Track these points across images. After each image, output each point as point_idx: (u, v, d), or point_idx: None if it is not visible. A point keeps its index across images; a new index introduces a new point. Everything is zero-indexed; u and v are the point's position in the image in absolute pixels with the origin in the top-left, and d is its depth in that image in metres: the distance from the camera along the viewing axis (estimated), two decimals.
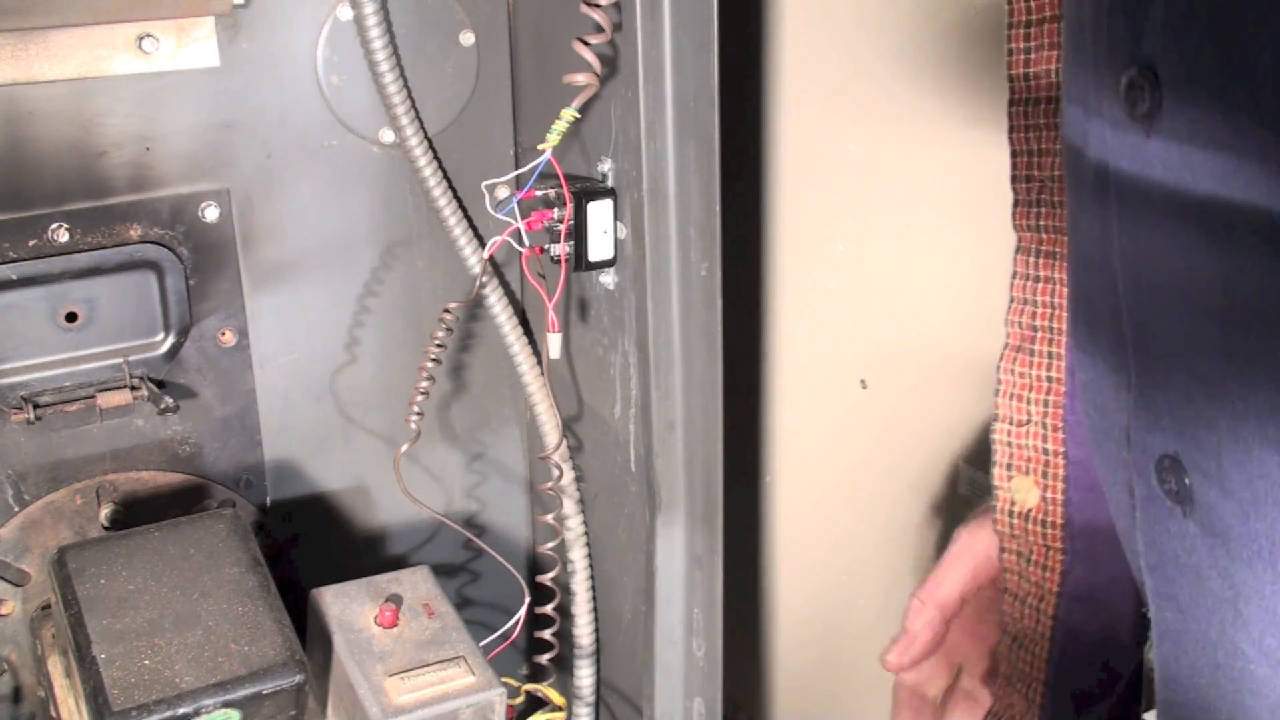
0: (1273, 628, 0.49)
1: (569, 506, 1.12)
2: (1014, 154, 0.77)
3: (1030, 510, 0.79)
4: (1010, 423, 0.79)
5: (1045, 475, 0.78)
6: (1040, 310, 0.76)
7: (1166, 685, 0.58)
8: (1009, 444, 0.80)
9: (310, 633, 1.00)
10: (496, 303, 1.09)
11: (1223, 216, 0.45)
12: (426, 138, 1.05)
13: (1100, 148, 0.52)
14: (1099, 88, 0.51)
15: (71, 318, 1.00)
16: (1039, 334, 0.77)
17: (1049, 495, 0.78)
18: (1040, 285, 0.76)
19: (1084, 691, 0.80)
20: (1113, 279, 0.54)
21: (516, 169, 1.12)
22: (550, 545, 1.11)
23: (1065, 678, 0.80)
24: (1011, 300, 0.78)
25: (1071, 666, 0.79)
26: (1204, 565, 0.52)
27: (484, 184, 1.06)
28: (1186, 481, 0.51)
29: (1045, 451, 0.78)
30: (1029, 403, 0.78)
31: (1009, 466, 0.80)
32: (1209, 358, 0.48)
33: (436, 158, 1.07)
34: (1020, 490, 0.80)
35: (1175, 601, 0.55)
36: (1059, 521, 0.78)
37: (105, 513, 1.05)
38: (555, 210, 0.95)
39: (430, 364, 1.03)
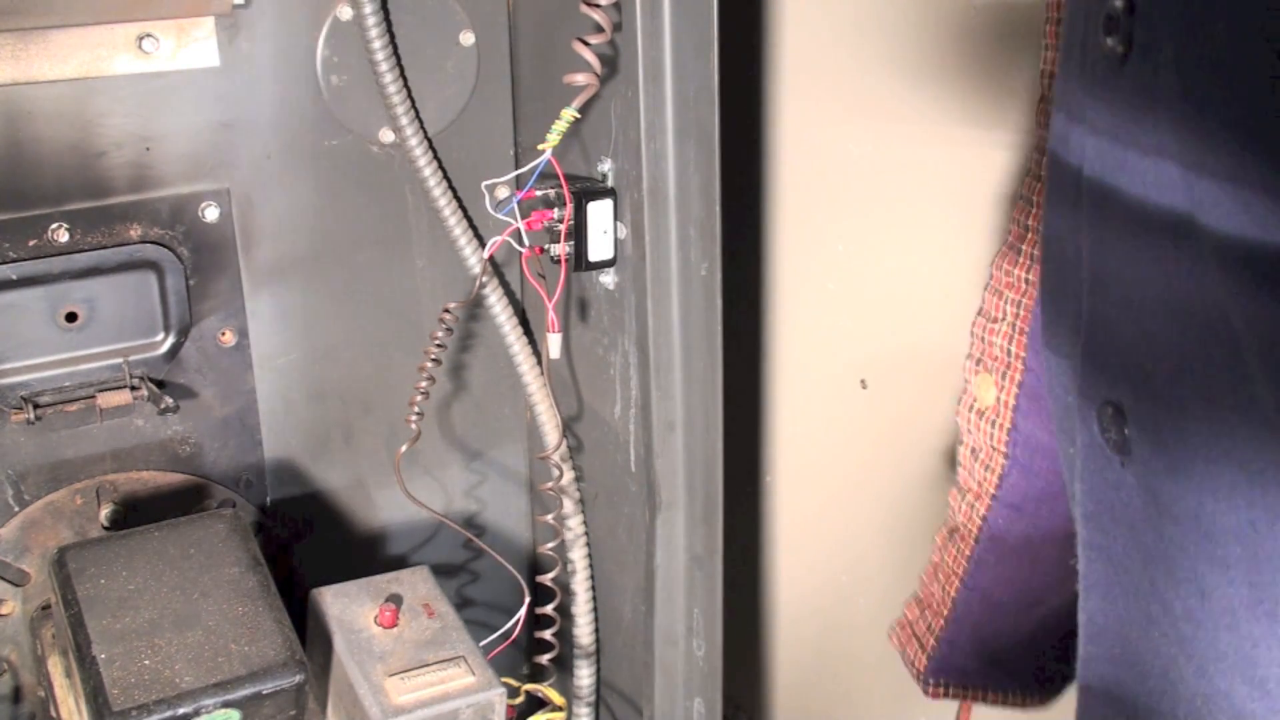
0: (1196, 587, 0.49)
1: (569, 506, 1.12)
2: (1038, 148, 0.77)
3: (986, 409, 0.80)
4: (987, 318, 0.80)
5: (1004, 377, 0.79)
6: (1034, 212, 0.77)
7: (1092, 640, 0.58)
8: (982, 339, 0.81)
9: (310, 633, 1.00)
10: (496, 303, 1.09)
11: (1155, 212, 0.46)
12: (426, 138, 1.05)
13: (1079, 154, 0.53)
14: (1083, 51, 0.52)
15: (71, 318, 1.00)
16: (1029, 235, 0.78)
17: (1003, 398, 0.79)
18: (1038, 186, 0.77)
19: (999, 601, 0.80)
20: (1079, 257, 0.55)
21: (516, 169, 1.12)
22: (550, 545, 1.11)
23: (980, 578, 0.81)
24: (1019, 198, 0.78)
25: (989, 569, 0.80)
26: (1138, 519, 0.52)
27: (484, 184, 1.06)
28: (1126, 431, 0.51)
29: (1009, 354, 0.79)
30: (1006, 301, 0.79)
31: (978, 361, 0.81)
32: (1153, 313, 0.49)
33: (436, 158, 1.07)
34: (981, 387, 0.81)
35: (1107, 553, 0.55)
36: (1006, 425, 0.79)
37: (105, 513, 1.05)
38: (555, 210, 0.95)
39: (430, 364, 1.03)
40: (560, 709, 1.12)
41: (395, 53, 1.01)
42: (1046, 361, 0.60)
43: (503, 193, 1.10)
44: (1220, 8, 0.42)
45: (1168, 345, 0.48)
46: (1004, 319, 0.78)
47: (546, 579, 1.12)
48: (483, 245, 1.08)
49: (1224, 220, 0.43)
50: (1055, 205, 0.57)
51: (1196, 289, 0.45)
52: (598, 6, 0.89)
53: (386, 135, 1.07)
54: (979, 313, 0.79)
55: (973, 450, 0.81)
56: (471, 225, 1.08)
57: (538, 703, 1.13)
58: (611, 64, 0.92)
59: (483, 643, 0.99)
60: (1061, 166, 0.55)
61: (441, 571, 1.22)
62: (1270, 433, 0.44)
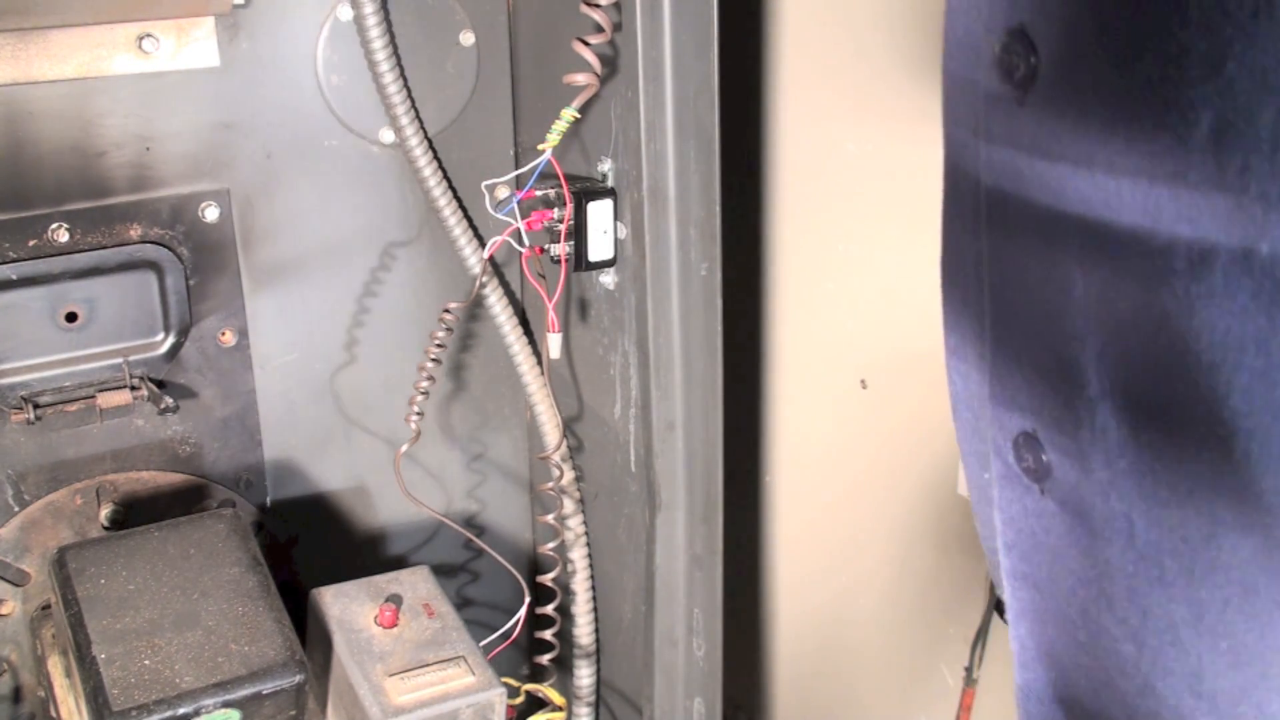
0: (1135, 606, 0.48)
1: (569, 506, 1.12)
2: None
3: None
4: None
5: None
6: None
7: (1026, 667, 0.57)
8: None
9: (310, 633, 1.00)
10: (496, 303, 1.09)
11: (1064, 222, 0.46)
12: (426, 138, 1.05)
13: (973, 163, 0.53)
14: (974, 80, 0.51)
15: (71, 318, 1.00)
16: None
17: None
18: None
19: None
20: (979, 273, 0.54)
21: (516, 169, 1.12)
22: (550, 545, 1.11)
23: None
24: None
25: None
26: (1062, 544, 0.51)
27: (484, 184, 1.06)
28: (1044, 458, 0.51)
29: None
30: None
31: None
32: (1065, 340, 0.48)
33: (436, 158, 1.07)
34: None
35: (1032, 580, 0.55)
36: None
37: (105, 513, 1.05)
38: (555, 210, 0.95)
39: (430, 364, 1.03)
40: (560, 709, 1.12)
41: (395, 53, 1.01)
42: (952, 381, 0.59)
43: (503, 193, 1.10)
44: (1116, 31, 0.42)
45: (1089, 364, 0.47)
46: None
47: (546, 579, 1.12)
48: (483, 245, 1.08)
49: (1165, 227, 0.42)
50: (953, 219, 0.56)
51: (1122, 303, 0.45)
52: (598, 6, 0.89)
53: (386, 135, 1.07)
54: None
55: None
56: (471, 225, 1.08)
57: (538, 703, 1.13)
58: (611, 64, 0.92)
59: (483, 643, 0.99)
60: (956, 175, 0.55)
61: (441, 571, 1.22)
62: (1204, 448, 0.43)
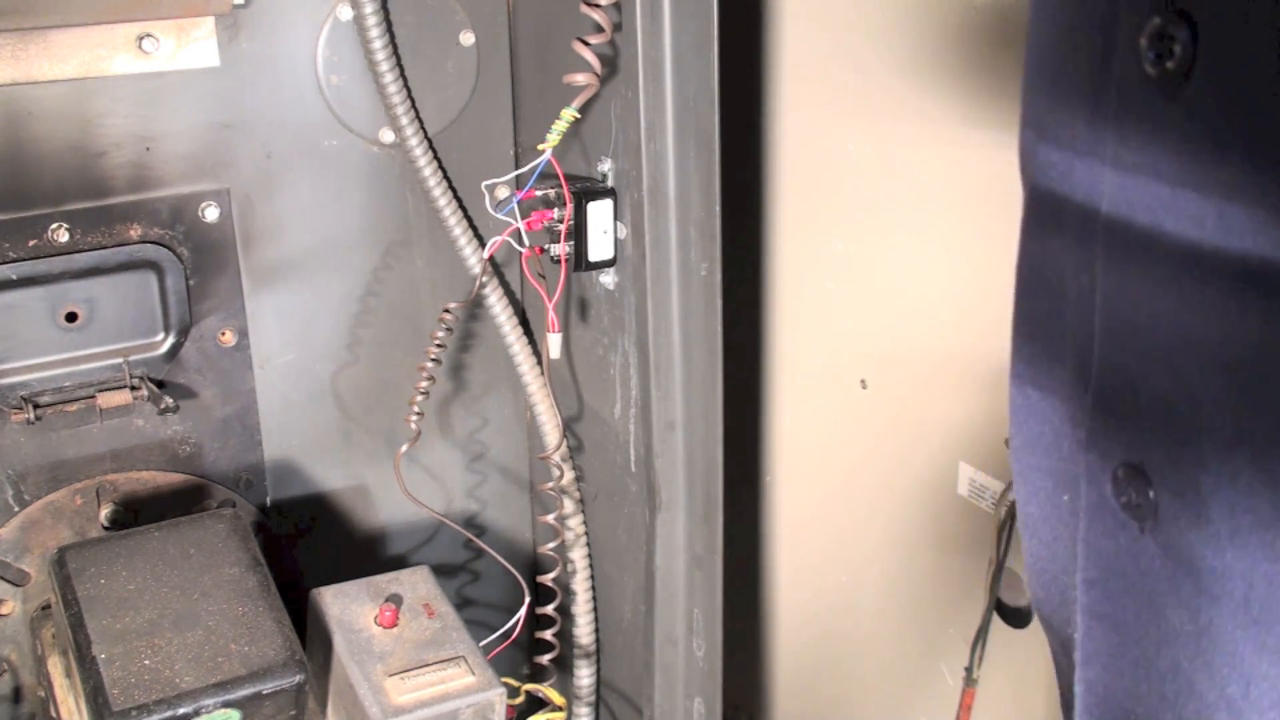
0: (1238, 674, 0.44)
1: (569, 506, 1.12)
2: None
3: None
4: None
5: None
6: None
7: (1089, 711, 0.53)
8: None
9: (310, 633, 1.00)
10: (496, 303, 1.09)
11: (1214, 258, 0.42)
12: (426, 138, 1.05)
13: (1090, 188, 0.48)
14: (1093, 79, 0.46)
15: (71, 318, 1.00)
16: None
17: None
18: None
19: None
20: (1088, 306, 0.50)
21: (516, 169, 1.12)
22: (550, 545, 1.11)
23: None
24: None
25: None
26: (1161, 590, 0.47)
27: (484, 184, 1.06)
28: (1151, 495, 0.46)
29: None
30: None
31: None
32: (1198, 378, 0.44)
33: (436, 158, 1.07)
34: None
35: (1114, 622, 0.50)
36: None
37: (105, 513, 1.05)
38: (555, 210, 0.95)
39: (430, 364, 1.03)
40: (560, 709, 1.12)
41: (395, 53, 1.01)
42: (1024, 396, 0.54)
43: (503, 193, 1.10)
44: None
45: (1217, 402, 0.43)
46: None
47: (547, 579, 1.12)
48: (483, 245, 1.08)
49: None
50: (1049, 236, 0.51)
51: (1260, 341, 0.41)
52: (598, 6, 0.89)
53: (386, 135, 1.07)
54: None
55: None
56: (471, 225, 1.08)
57: (538, 703, 1.13)
58: (611, 64, 0.92)
59: (483, 643, 0.99)
60: (1059, 200, 0.50)
61: (441, 571, 1.22)
62: None
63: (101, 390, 1.01)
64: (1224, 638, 0.44)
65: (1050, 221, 0.50)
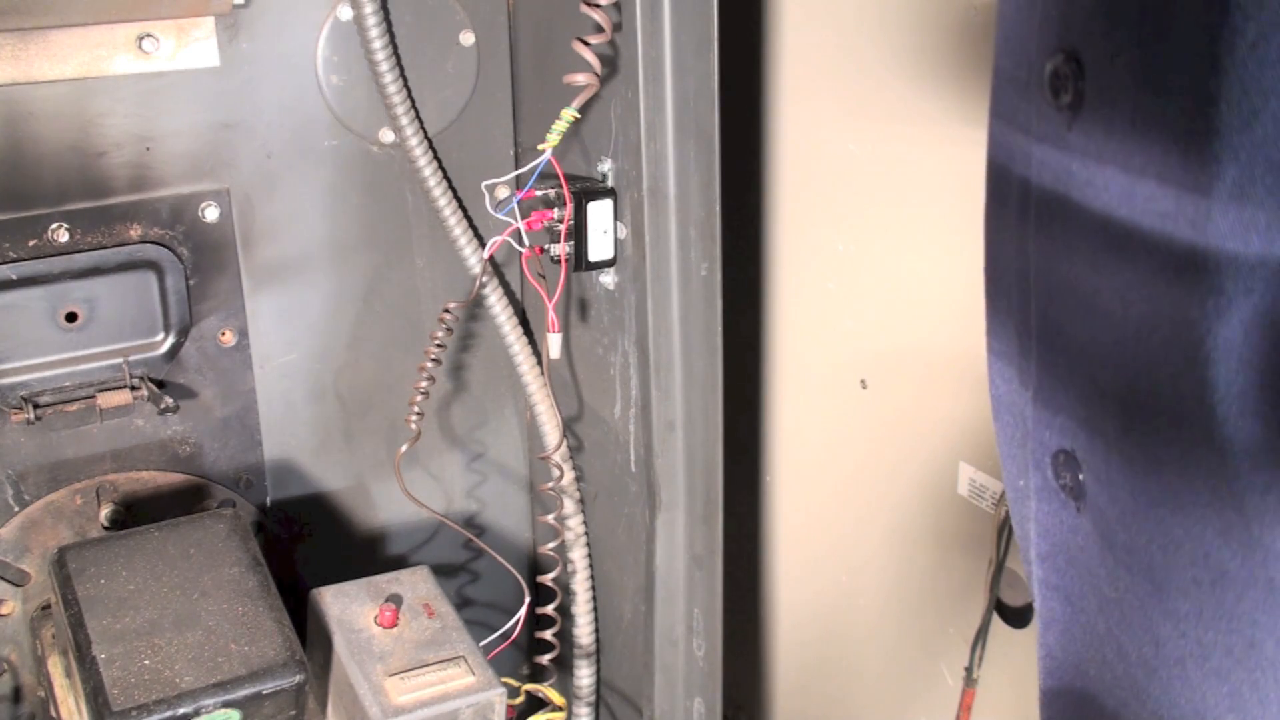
0: (1149, 636, 0.49)
1: (569, 506, 1.12)
2: None
3: None
4: None
5: None
6: None
7: (1050, 674, 0.58)
8: None
9: (310, 633, 1.00)
10: (496, 303, 1.08)
11: (1123, 232, 0.46)
12: (426, 138, 1.05)
13: (1024, 165, 0.52)
14: (1026, 88, 0.51)
15: (71, 318, 1.00)
16: None
17: None
18: None
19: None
20: (1025, 281, 0.54)
21: (516, 169, 1.12)
22: (550, 545, 1.11)
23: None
24: None
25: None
26: (1094, 563, 0.52)
27: (484, 184, 1.06)
28: (1080, 478, 0.51)
29: None
30: None
31: None
32: (1104, 365, 0.48)
33: (436, 158, 1.07)
34: None
35: (1063, 593, 0.55)
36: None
37: (105, 513, 1.05)
38: (555, 210, 0.95)
39: (430, 364, 1.03)
40: (560, 709, 1.12)
41: (395, 53, 1.01)
42: (991, 366, 0.59)
43: (503, 193, 1.10)
44: (1177, 60, 0.41)
45: (1118, 390, 0.48)
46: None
47: (547, 579, 1.12)
48: (483, 245, 1.08)
49: (1188, 234, 0.43)
50: (999, 211, 0.56)
51: (1158, 322, 0.45)
52: (598, 6, 0.89)
53: (386, 135, 1.07)
54: None
55: None
56: (471, 225, 1.08)
57: (538, 703, 1.13)
58: (611, 64, 0.92)
59: (483, 643, 0.99)
60: (1005, 174, 0.54)
61: (441, 571, 1.22)
62: (1210, 492, 0.44)
63: (101, 390, 1.01)
64: (1138, 604, 0.49)
65: (997, 197, 0.55)
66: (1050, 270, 0.52)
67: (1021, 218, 0.53)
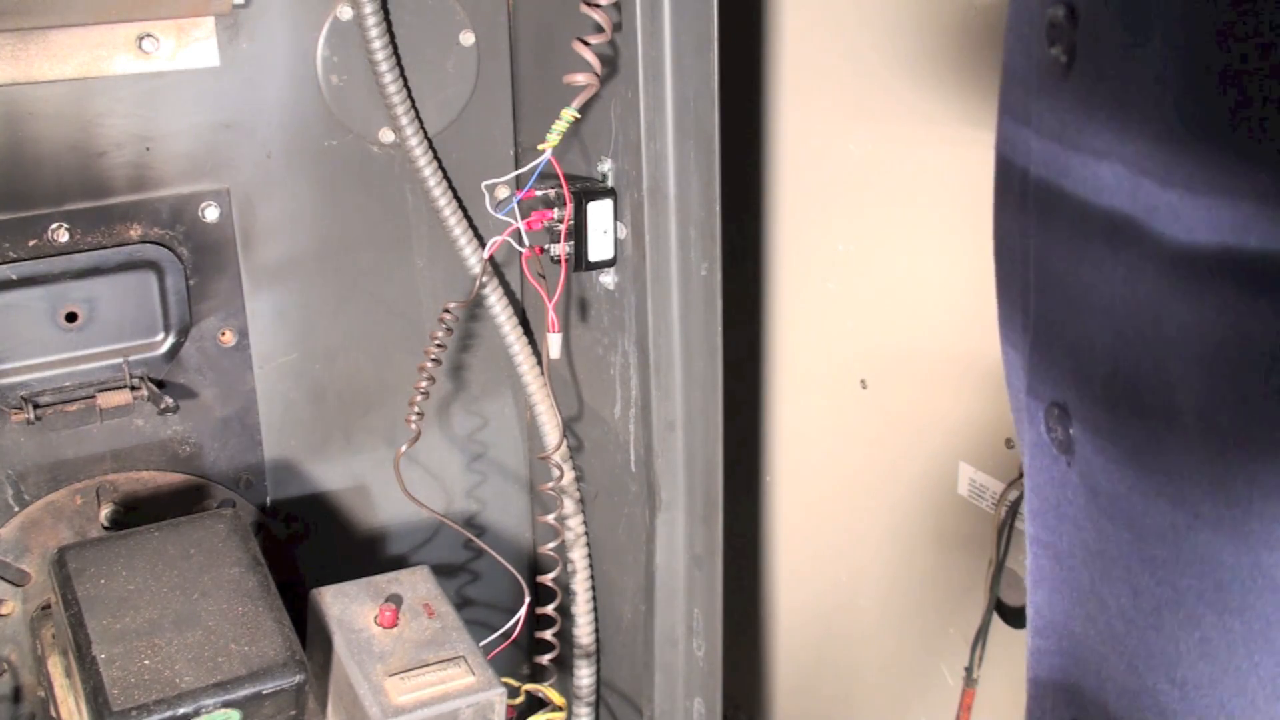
0: (1127, 585, 0.51)
1: (569, 506, 1.12)
2: None
3: None
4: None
5: None
6: None
7: (1039, 633, 0.59)
8: None
9: (310, 633, 1.00)
10: (496, 303, 1.09)
11: (1100, 218, 0.48)
12: (426, 138, 1.05)
13: (1025, 156, 0.54)
14: (1028, 54, 0.53)
15: (71, 318, 1.00)
16: None
17: None
18: None
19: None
20: (1027, 266, 0.56)
21: (516, 169, 1.12)
22: (550, 545, 1.11)
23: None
24: None
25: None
26: (1081, 517, 0.53)
27: (484, 184, 1.06)
28: (1070, 431, 0.53)
29: None
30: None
31: None
32: (1093, 315, 0.50)
33: (436, 158, 1.07)
34: None
35: (1053, 549, 0.56)
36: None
37: (105, 513, 1.05)
38: (555, 210, 0.95)
39: (430, 364, 1.03)
40: (560, 709, 1.12)
41: (395, 53, 1.01)
42: (1004, 356, 0.61)
43: (503, 193, 1.10)
44: (1158, 19, 0.43)
45: (1105, 348, 0.50)
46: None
47: (547, 579, 1.12)
48: (483, 245, 1.08)
49: (1164, 224, 0.44)
50: (1003, 205, 0.58)
51: (1132, 293, 0.47)
52: (598, 6, 0.89)
53: (386, 135, 1.07)
54: None
55: None
56: (471, 225, 1.08)
57: (538, 703, 1.13)
58: (611, 64, 0.92)
59: (483, 643, 0.99)
60: (1008, 167, 0.57)
61: (441, 571, 1.22)
62: (1188, 441, 0.45)
63: (101, 390, 1.01)
64: (1118, 553, 0.51)
65: (1004, 187, 0.57)
66: (1045, 247, 0.54)
67: (1022, 203, 0.55)
